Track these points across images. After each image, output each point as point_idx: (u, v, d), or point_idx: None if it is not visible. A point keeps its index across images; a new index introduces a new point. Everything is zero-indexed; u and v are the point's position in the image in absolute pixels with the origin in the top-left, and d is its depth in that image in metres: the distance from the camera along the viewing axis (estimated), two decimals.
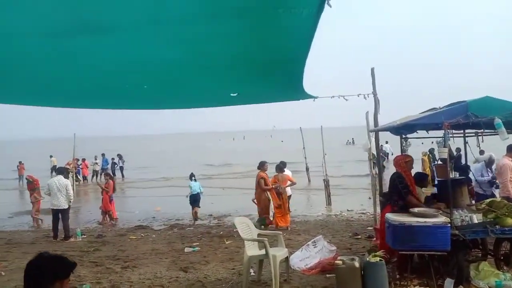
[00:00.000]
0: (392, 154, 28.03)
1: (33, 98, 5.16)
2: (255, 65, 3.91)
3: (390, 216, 5.67)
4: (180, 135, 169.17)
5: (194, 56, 3.51)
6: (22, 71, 3.64)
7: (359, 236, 9.14)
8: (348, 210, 13.25)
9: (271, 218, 10.48)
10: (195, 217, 12.58)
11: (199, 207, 12.65)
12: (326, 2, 2.42)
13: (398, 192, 6.02)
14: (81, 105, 6.20)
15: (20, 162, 26.72)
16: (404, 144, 8.03)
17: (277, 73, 4.16)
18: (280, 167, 11.23)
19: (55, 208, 10.43)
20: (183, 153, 52.32)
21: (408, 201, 5.89)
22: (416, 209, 5.66)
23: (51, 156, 30.42)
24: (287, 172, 11.59)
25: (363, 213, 12.56)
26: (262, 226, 10.04)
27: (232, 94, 4.91)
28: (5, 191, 23.38)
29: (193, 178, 12.82)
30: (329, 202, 14.33)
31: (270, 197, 10.40)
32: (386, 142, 28.32)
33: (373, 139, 8.80)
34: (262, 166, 10.74)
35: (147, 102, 5.63)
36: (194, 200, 12.49)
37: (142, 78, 3.92)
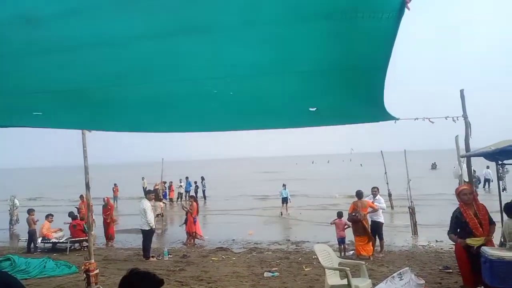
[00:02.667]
0: (492, 181, 25.56)
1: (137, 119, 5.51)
2: (336, 73, 3.87)
3: (487, 250, 5.20)
4: (259, 158, 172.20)
5: (281, 60, 3.62)
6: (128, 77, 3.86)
7: (451, 270, 8.42)
8: (437, 241, 12.30)
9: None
10: (286, 211, 20.76)
11: (287, 203, 21.14)
12: (405, 5, 2.41)
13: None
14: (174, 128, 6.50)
15: (115, 184, 29.25)
16: (500, 171, 7.37)
17: (358, 83, 4.08)
18: (360, 193, 10.90)
19: (140, 228, 11.36)
20: (261, 177, 53.01)
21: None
22: None
23: (143, 178, 33.09)
24: (381, 199, 11.28)
25: (454, 245, 11.56)
26: None
27: (311, 109, 4.91)
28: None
29: (284, 186, 21.40)
30: (415, 232, 13.44)
31: None
32: (487, 167, 26.01)
33: (464, 165, 8.19)
34: None
35: (230, 117, 5.78)
36: (283, 201, 21.26)
37: (230, 83, 4.05)
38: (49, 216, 13.79)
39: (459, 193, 6.02)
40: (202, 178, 29.90)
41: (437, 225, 14.94)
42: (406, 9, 2.48)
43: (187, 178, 29.77)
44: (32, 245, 13.17)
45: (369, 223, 10.66)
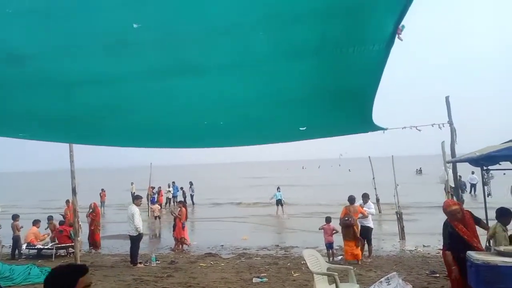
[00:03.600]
0: (477, 183, 25.92)
1: (127, 139, 5.58)
2: (326, 99, 3.95)
3: (472, 254, 5.25)
4: (250, 163, 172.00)
5: (271, 93, 3.67)
6: (122, 113, 3.94)
7: (437, 275, 8.51)
8: (424, 245, 12.41)
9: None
10: (280, 213, 22.06)
11: (282, 205, 22.50)
12: (397, 36, 2.42)
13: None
14: (165, 144, 6.59)
15: (102, 190, 28.88)
16: (485, 177, 7.48)
17: (347, 106, 4.14)
18: (352, 198, 10.96)
19: (128, 234, 11.20)
20: (252, 182, 52.93)
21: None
22: (502, 248, 5.19)
23: (132, 183, 32.79)
24: (371, 204, 11.38)
25: (441, 249, 11.67)
26: None
27: (301, 128, 4.97)
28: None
29: (278, 189, 22.96)
30: (402, 237, 13.55)
31: None
32: (473, 173, 26.46)
33: (450, 171, 8.31)
34: None
35: (220, 139, 5.86)
36: (278, 203, 22.45)
37: (220, 115, 4.15)
38: (37, 222, 13.55)
39: (449, 213, 5.78)
40: (191, 183, 29.74)
41: (424, 230, 15.11)
42: (398, 40, 2.49)
43: (173, 183, 29.59)
44: (16, 251, 12.91)
45: (359, 228, 10.73)
